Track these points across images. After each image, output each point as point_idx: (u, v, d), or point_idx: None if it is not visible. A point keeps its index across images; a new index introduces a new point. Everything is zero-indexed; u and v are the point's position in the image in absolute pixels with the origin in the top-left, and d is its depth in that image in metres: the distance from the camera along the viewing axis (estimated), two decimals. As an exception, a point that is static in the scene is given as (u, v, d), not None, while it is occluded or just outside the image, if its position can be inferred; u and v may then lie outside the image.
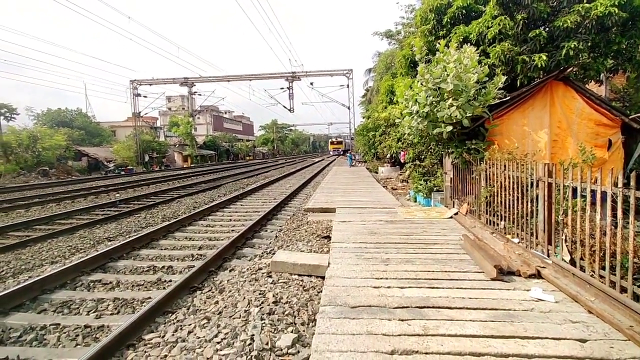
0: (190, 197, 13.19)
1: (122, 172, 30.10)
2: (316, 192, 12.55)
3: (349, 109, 37.14)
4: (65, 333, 3.48)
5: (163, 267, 5.33)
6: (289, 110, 36.46)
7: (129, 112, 38.47)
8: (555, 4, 8.77)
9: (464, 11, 9.89)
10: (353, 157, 31.59)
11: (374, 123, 23.24)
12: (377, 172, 23.29)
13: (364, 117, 33.58)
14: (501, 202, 5.81)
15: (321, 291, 3.84)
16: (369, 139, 25.67)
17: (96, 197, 14.00)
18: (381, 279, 4.05)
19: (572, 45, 7.86)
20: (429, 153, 12.57)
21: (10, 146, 25.10)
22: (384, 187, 14.46)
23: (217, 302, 3.91)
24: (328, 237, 6.43)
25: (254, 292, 4.10)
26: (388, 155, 21.20)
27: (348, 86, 35.95)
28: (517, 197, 5.25)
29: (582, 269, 3.68)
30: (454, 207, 8.08)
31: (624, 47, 8.33)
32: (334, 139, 79.56)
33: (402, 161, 18.56)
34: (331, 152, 73.19)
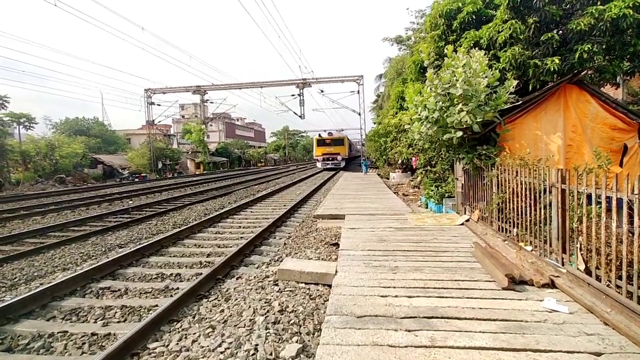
0: (201, 204, 13.29)
1: (136, 179, 30.56)
2: (326, 198, 12.51)
3: (359, 115, 37.09)
4: (72, 341, 3.50)
5: (171, 274, 5.35)
6: (300, 116, 36.55)
7: (144, 121, 39.16)
8: (567, 6, 8.61)
9: (474, 16, 9.81)
10: (368, 165, 29.02)
11: (384, 129, 23.16)
12: (388, 178, 23.13)
13: (375, 123, 33.49)
14: (513, 208, 5.67)
15: (328, 300, 3.79)
16: (380, 145, 25.58)
17: (110, 204, 14.22)
18: (389, 287, 3.98)
19: (586, 48, 7.69)
20: (440, 159, 12.44)
21: (29, 154, 25.77)
22: (394, 193, 14.33)
23: (222, 311, 3.89)
24: (337, 245, 6.38)
25: (260, 300, 4.07)
26: (399, 161, 21.07)
27: (359, 92, 35.91)
28: (530, 204, 5.11)
29: (598, 278, 3.55)
30: (465, 213, 7.94)
31: (640, 49, 8.13)
32: (325, 136, 37.60)
33: (413, 167, 18.41)
34: (319, 164, 36.82)
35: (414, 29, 24.44)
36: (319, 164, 36.64)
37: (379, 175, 24.87)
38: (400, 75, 25.00)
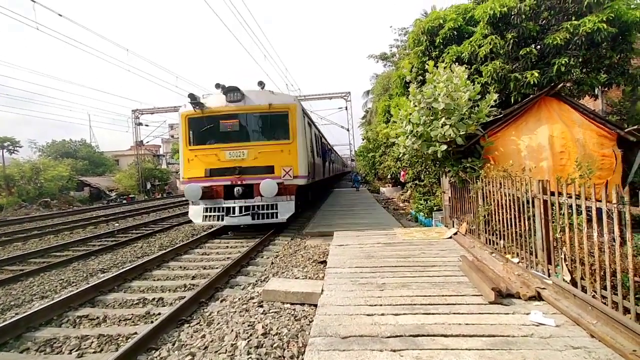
0: (189, 225, 13.06)
1: (124, 201, 30.12)
2: (316, 215, 12.42)
3: (348, 130, 37.41)
4: (44, 374, 3.33)
5: (153, 299, 5.18)
6: (289, 134, 36.53)
7: (133, 141, 38.86)
8: (544, 22, 8.89)
9: (455, 32, 10.05)
10: (359, 180, 25.85)
11: (373, 143, 23.37)
12: (378, 193, 23.18)
13: (363, 139, 33.81)
14: (499, 220, 5.67)
15: (313, 320, 3.68)
16: (370, 160, 25.73)
17: (95, 227, 13.92)
18: (375, 305, 3.90)
19: (563, 62, 7.89)
20: (427, 172, 12.50)
21: (12, 179, 25.28)
22: (384, 207, 14.32)
23: (203, 336, 3.75)
24: (324, 262, 6.28)
25: (243, 323, 3.94)
26: (389, 176, 21.17)
27: (346, 108, 36.31)
28: (515, 215, 5.12)
29: (583, 289, 3.52)
30: (453, 226, 7.92)
31: (616, 61, 8.36)
32: (218, 102, 9.65)
33: (402, 181, 18.48)
34: (194, 212, 9.50)
35: (398, 45, 24.97)
36: (194, 214, 9.74)
37: (369, 190, 24.90)
38: (387, 91, 25.39)
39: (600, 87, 9.52)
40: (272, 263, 6.86)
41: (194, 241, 9.04)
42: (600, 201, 3.27)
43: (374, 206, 14.30)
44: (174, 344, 3.65)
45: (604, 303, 3.17)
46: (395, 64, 24.73)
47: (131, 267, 6.59)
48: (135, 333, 3.96)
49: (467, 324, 3.30)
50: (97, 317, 4.60)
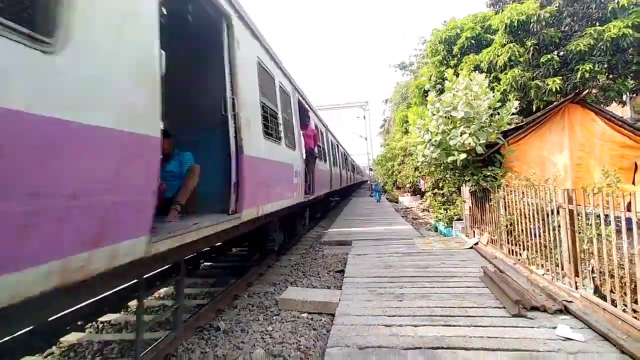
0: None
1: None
2: (334, 224, 12.38)
3: (366, 139, 37.39)
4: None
5: (172, 306, 5.24)
6: (307, 143, 36.73)
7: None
8: (566, 28, 8.72)
9: (473, 41, 9.99)
10: (381, 191, 23.46)
11: (391, 153, 23.22)
12: (397, 202, 22.94)
13: (382, 147, 33.69)
14: (522, 230, 5.52)
15: (330, 330, 3.65)
16: (388, 169, 25.60)
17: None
18: (394, 316, 3.84)
19: (587, 68, 7.72)
20: (447, 181, 12.32)
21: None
22: (403, 217, 14.16)
23: (221, 345, 3.77)
24: (342, 271, 6.24)
25: (260, 332, 3.94)
26: (408, 185, 20.94)
27: (364, 117, 36.38)
28: (538, 226, 4.97)
29: (613, 302, 3.37)
30: (474, 236, 7.75)
31: (643, 67, 8.11)
32: None
33: (422, 189, 18.25)
34: None
35: (416, 54, 24.93)
36: None
37: (387, 199, 24.68)
38: (405, 100, 25.34)
39: (627, 93, 9.23)
40: (290, 272, 6.84)
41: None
42: (630, 211, 3.15)
43: (392, 215, 14.17)
44: (193, 352, 3.68)
45: (635, 317, 3.03)
46: (413, 72, 24.69)
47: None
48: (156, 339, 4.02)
49: (489, 337, 3.21)
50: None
